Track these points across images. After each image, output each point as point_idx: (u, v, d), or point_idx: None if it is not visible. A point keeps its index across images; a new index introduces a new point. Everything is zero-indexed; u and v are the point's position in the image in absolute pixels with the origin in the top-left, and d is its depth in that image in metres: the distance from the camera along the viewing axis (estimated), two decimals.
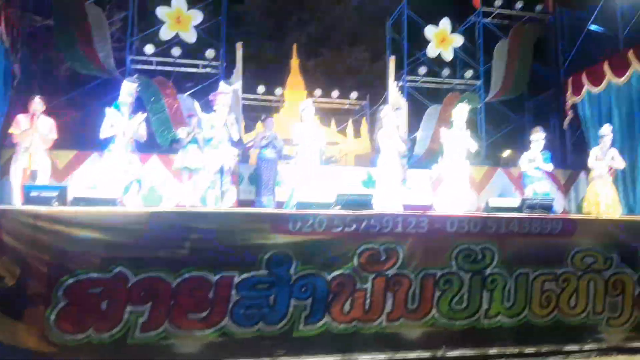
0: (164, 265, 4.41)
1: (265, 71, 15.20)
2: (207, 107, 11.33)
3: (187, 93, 11.33)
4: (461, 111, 7.74)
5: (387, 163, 7.42)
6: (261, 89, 14.47)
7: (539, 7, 13.54)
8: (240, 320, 4.54)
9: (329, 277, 4.78)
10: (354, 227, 4.90)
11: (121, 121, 6.01)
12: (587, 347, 5.34)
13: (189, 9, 11.28)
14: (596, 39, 12.66)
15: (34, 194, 4.61)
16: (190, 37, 11.34)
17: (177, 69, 11.79)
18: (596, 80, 10.78)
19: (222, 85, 7.08)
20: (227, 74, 11.69)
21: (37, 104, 6.63)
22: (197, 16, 11.31)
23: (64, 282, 4.17)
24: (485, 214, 5.59)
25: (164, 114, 10.67)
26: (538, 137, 8.17)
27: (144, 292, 4.34)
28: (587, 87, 11.11)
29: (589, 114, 11.10)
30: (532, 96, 14.03)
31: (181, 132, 7.77)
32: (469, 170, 7.88)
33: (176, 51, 11.42)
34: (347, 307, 4.81)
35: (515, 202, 6.13)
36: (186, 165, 7.69)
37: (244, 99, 12.37)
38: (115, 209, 4.78)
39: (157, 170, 8.78)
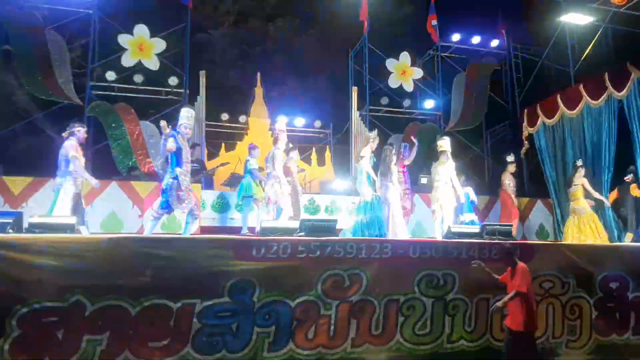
0: (124, 293, 4.30)
1: (229, 99, 15.16)
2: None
3: (150, 119, 11.19)
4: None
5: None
6: (225, 116, 14.46)
7: (494, 43, 14.10)
8: (202, 349, 4.46)
9: (293, 304, 4.76)
10: (318, 253, 4.90)
11: (185, 146, 5.97)
12: None
13: (151, 37, 11.22)
14: (549, 74, 13.26)
15: None
16: (153, 64, 11.24)
17: (139, 95, 11.65)
18: (550, 112, 11.23)
19: (282, 122, 7.21)
20: (191, 101, 11.64)
21: (84, 133, 6.51)
22: (159, 44, 11.24)
23: (18, 312, 4.02)
24: (447, 240, 5.70)
25: (125, 140, 10.51)
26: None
27: (103, 321, 4.22)
28: (541, 118, 11.56)
29: (545, 144, 11.52)
30: (490, 127, 14.49)
31: (252, 163, 7.78)
32: None
33: (138, 78, 11.33)
34: (311, 333, 4.79)
35: (475, 228, 6.29)
36: (252, 194, 7.75)
37: (207, 125, 12.32)
38: (72, 235, 4.64)
39: (117, 196, 8.55)
